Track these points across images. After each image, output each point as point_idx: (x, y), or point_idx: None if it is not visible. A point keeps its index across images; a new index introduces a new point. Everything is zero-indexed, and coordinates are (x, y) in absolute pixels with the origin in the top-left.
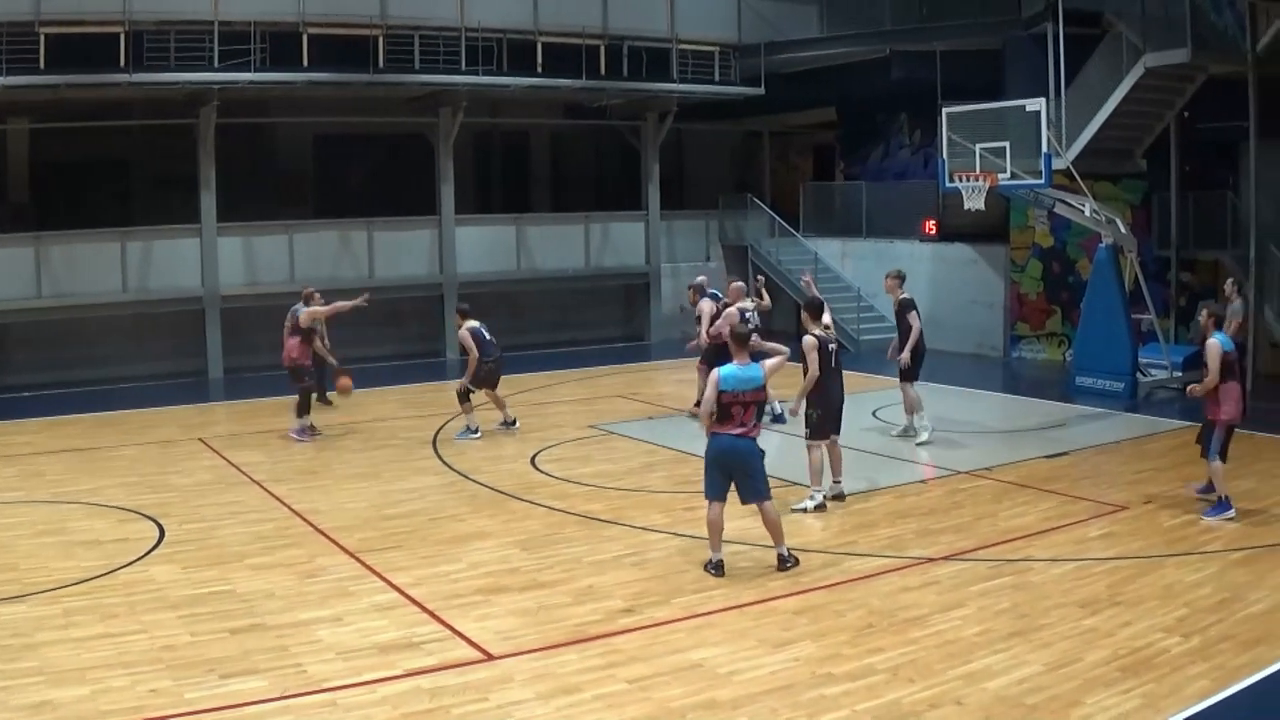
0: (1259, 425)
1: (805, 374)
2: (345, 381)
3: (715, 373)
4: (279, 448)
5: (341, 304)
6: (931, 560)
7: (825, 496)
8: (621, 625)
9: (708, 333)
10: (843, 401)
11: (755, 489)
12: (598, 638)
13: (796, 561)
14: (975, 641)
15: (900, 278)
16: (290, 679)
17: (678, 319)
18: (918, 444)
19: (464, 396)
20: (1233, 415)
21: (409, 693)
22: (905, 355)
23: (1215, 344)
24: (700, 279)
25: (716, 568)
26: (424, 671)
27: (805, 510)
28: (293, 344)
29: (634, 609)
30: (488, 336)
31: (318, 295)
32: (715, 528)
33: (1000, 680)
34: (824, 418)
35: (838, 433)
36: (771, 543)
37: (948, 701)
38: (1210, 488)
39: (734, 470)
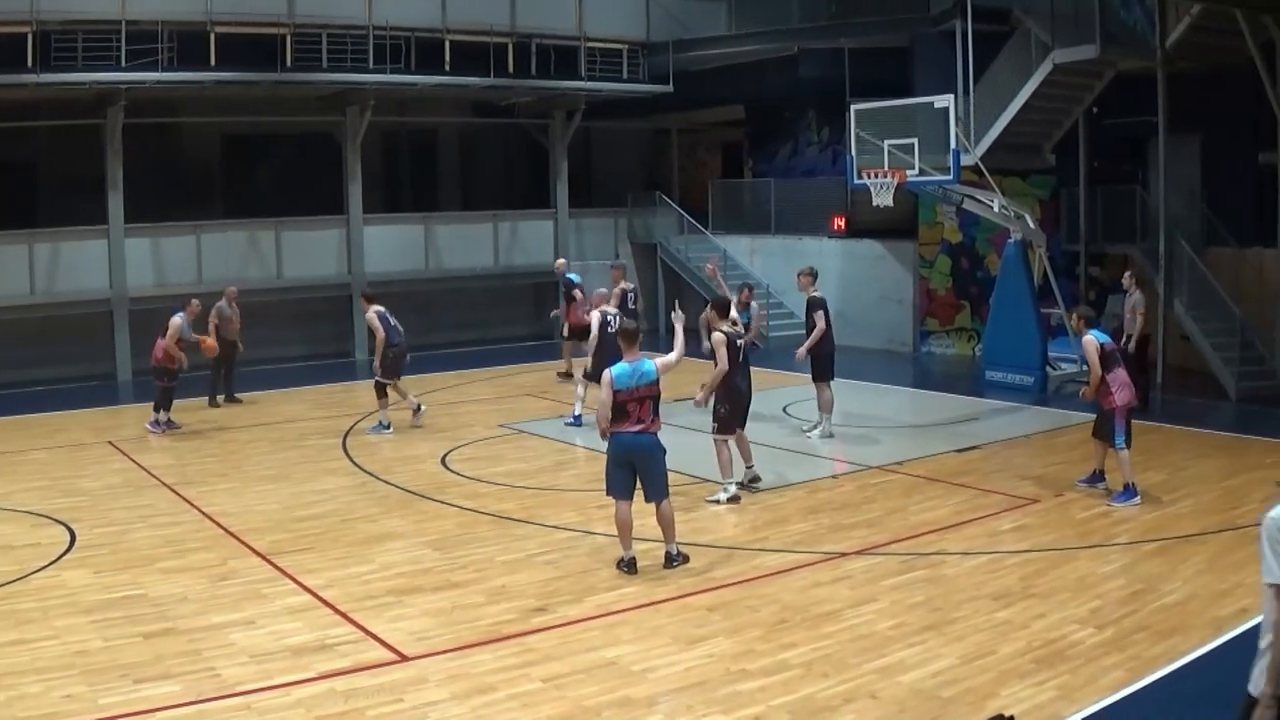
0: (1169, 418)
1: (715, 369)
2: (209, 343)
3: (608, 373)
4: (188, 450)
5: (206, 341)
6: (844, 555)
7: (739, 485)
8: (535, 624)
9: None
10: (750, 397)
11: (654, 487)
12: (512, 637)
13: (685, 559)
14: (889, 635)
15: (812, 275)
16: (204, 683)
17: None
18: (815, 436)
19: (381, 391)
20: (1127, 400)
21: (323, 695)
22: (801, 352)
23: (1090, 340)
24: (559, 261)
25: (629, 565)
26: (338, 674)
27: (719, 502)
28: (161, 345)
29: (547, 608)
30: (392, 322)
31: (196, 303)
32: (624, 526)
33: (915, 673)
34: (732, 412)
35: (743, 427)
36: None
37: (863, 695)
38: (1096, 477)
39: (637, 467)
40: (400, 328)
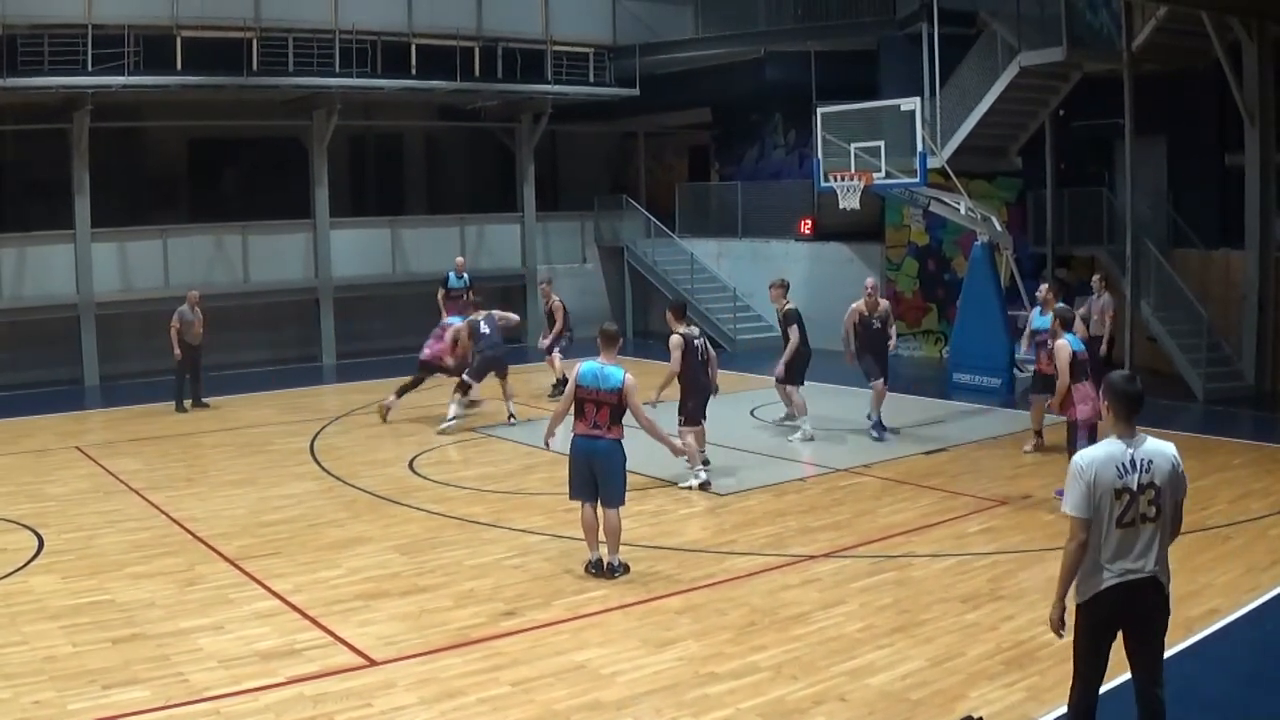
0: (1137, 419)
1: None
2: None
3: (576, 366)
4: (155, 455)
5: None
6: (812, 558)
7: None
8: (504, 628)
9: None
10: (708, 394)
11: (608, 493)
12: (480, 641)
13: (626, 569)
14: (858, 638)
15: (784, 287)
16: (172, 688)
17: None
18: (798, 440)
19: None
20: (1089, 414)
21: (291, 700)
22: (780, 368)
23: (1064, 345)
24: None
25: (595, 566)
26: (306, 679)
27: (691, 487)
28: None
29: (516, 611)
30: (484, 329)
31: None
32: (588, 527)
33: (884, 676)
34: (697, 406)
35: (703, 420)
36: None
37: (832, 698)
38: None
39: (595, 471)
40: (488, 332)
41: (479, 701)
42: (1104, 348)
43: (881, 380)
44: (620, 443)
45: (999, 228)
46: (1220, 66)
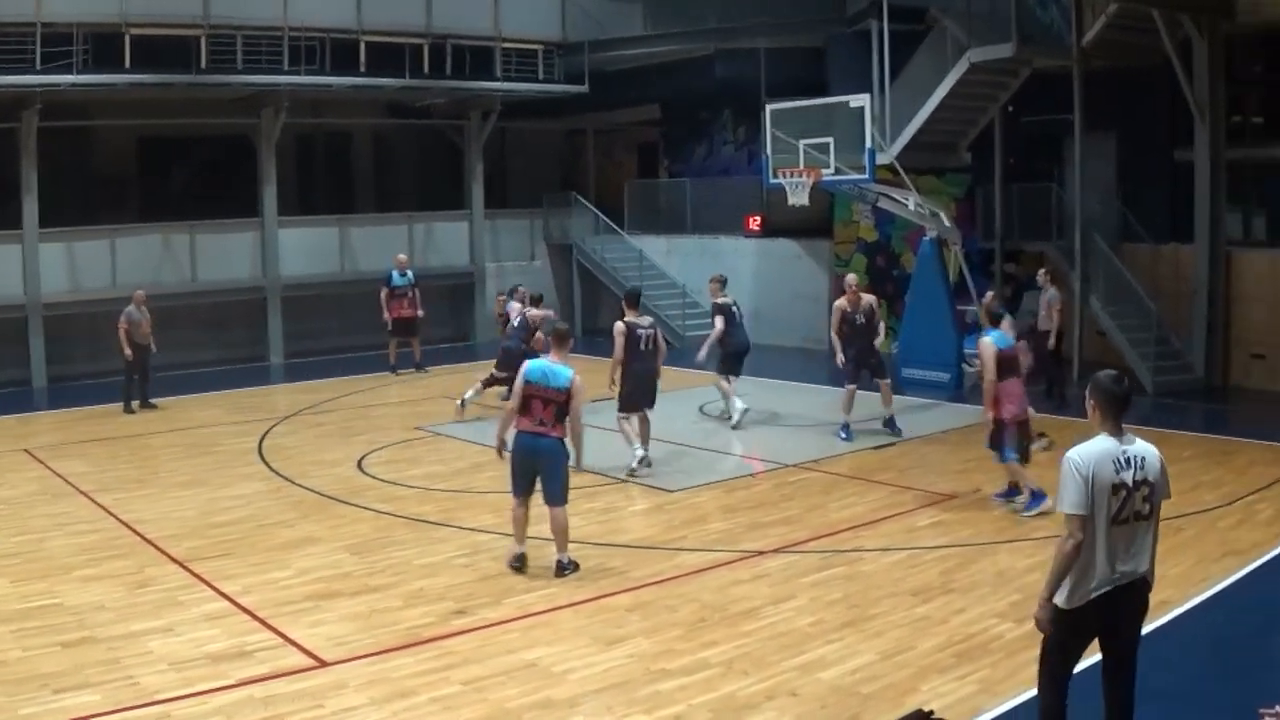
0: (1086, 413)
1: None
2: None
3: (526, 363)
4: (104, 457)
5: None
6: (762, 553)
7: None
8: (454, 627)
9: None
10: (654, 381)
11: (550, 491)
12: (431, 640)
13: (576, 567)
14: (808, 632)
15: (721, 282)
16: (123, 692)
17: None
18: (734, 422)
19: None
20: (1014, 413)
21: (243, 702)
22: (702, 354)
23: (988, 344)
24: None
25: (518, 560)
26: (257, 680)
27: (633, 469)
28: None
29: (466, 610)
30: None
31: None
32: (517, 522)
33: (835, 670)
34: (633, 392)
35: (650, 407)
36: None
37: (783, 693)
38: (1011, 491)
39: (538, 469)
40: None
41: (430, 701)
42: (1051, 341)
43: (885, 381)
44: (564, 441)
45: (948, 223)
46: (1170, 63)
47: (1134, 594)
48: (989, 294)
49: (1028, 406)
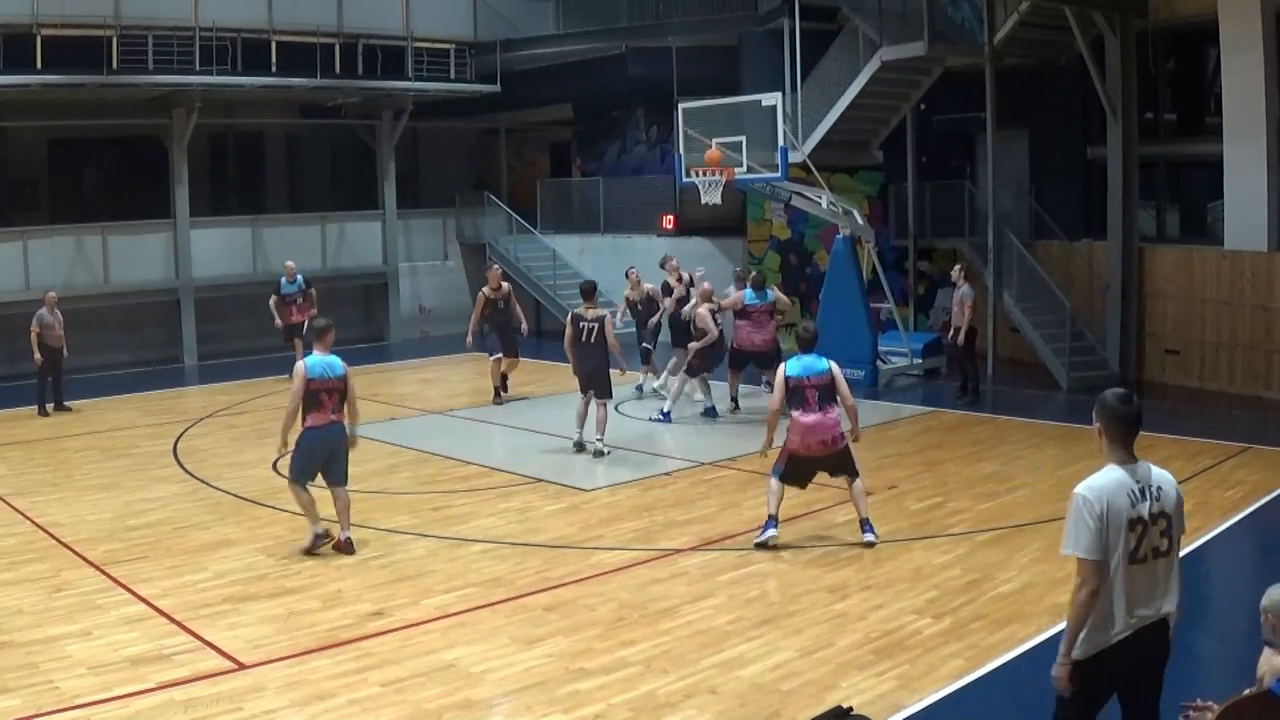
0: (1000, 409)
1: None
2: None
3: (302, 364)
4: (19, 460)
5: None
6: (679, 551)
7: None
8: (372, 628)
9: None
10: (592, 369)
11: (338, 472)
12: (349, 642)
13: (351, 550)
14: (727, 630)
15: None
16: (43, 696)
17: (416, 319)
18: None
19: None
20: (795, 445)
21: (163, 705)
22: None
23: (781, 370)
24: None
25: (323, 537)
26: (176, 684)
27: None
28: None
29: (384, 611)
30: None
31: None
32: (307, 504)
33: (754, 667)
34: (580, 379)
35: (600, 397)
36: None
37: (703, 690)
38: (866, 526)
39: (330, 455)
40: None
41: (349, 703)
42: (962, 338)
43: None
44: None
45: (861, 221)
46: (1083, 60)
47: (1155, 638)
48: (797, 326)
49: (818, 441)
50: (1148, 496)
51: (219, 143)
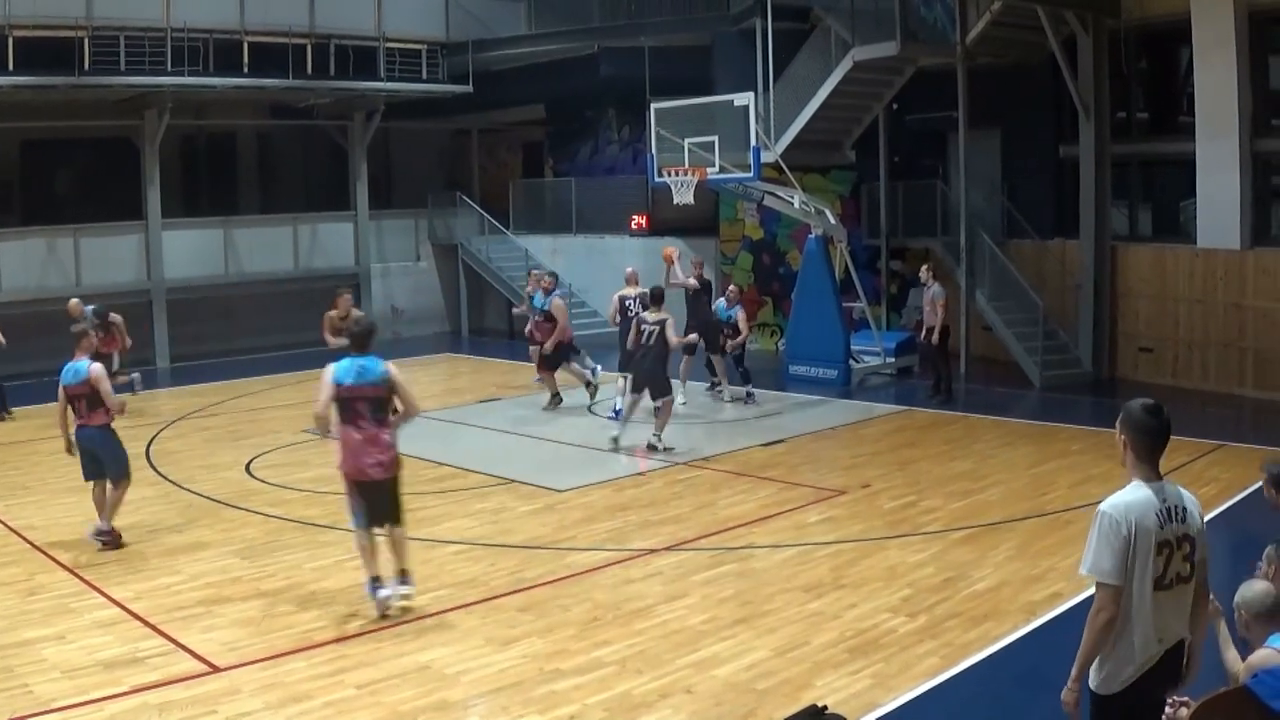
0: (973, 407)
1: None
2: None
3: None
4: None
5: None
6: (654, 551)
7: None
8: (347, 630)
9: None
10: (649, 369)
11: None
12: (324, 644)
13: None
14: (702, 630)
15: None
16: (18, 700)
17: (389, 319)
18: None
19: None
20: (347, 468)
21: (137, 709)
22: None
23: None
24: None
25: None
26: (150, 687)
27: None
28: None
29: (359, 613)
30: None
31: None
32: (100, 503)
33: (729, 667)
34: (633, 377)
35: (660, 396)
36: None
37: (678, 690)
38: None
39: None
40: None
41: (325, 705)
42: (936, 337)
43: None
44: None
45: (833, 221)
46: (1055, 59)
47: (1176, 664)
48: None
49: (370, 465)
50: (1174, 518)
51: (191, 144)
